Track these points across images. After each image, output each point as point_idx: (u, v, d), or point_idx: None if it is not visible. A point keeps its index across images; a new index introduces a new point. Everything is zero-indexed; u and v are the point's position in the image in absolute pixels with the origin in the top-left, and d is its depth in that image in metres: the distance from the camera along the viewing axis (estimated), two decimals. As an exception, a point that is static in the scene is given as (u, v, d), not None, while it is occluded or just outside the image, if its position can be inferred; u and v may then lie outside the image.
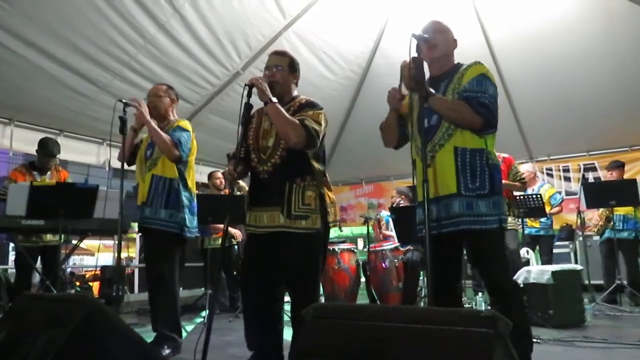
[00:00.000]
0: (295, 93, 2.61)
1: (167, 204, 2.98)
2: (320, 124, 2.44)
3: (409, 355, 1.02)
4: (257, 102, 2.43)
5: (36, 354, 1.38)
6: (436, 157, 2.18)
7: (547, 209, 5.44)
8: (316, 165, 2.49)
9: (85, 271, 9.81)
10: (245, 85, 2.42)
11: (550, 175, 7.31)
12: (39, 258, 4.14)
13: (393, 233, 5.13)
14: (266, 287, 2.51)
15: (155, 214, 2.99)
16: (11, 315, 1.82)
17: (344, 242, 5.49)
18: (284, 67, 2.56)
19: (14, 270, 6.15)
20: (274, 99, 2.42)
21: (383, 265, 4.95)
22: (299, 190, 2.41)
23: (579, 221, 5.53)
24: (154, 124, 2.98)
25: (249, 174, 2.61)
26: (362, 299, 5.26)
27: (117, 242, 3.16)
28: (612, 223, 5.28)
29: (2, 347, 1.53)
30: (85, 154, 5.64)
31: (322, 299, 5.07)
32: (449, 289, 2.23)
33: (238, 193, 4.88)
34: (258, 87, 2.40)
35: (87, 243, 4.68)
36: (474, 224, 2.11)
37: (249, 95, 2.43)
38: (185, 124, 3.13)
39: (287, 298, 2.79)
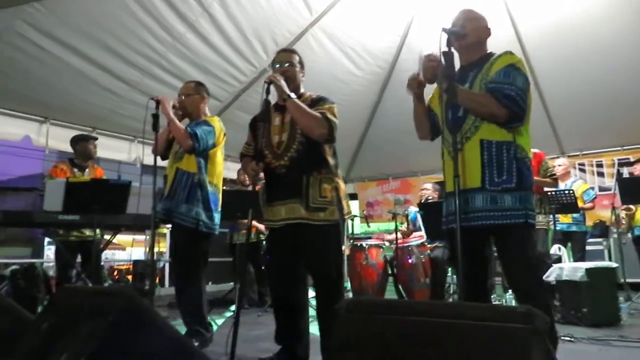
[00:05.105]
0: (302, 89, 2.63)
1: (188, 199, 3.02)
2: (336, 117, 2.49)
3: (445, 351, 1.01)
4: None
5: (78, 344, 1.43)
6: (463, 149, 2.14)
7: (580, 204, 5.31)
8: (330, 158, 2.52)
9: (118, 265, 10.07)
10: (265, 82, 2.47)
11: (583, 171, 7.11)
12: (79, 253, 4.26)
13: (421, 229, 5.10)
14: (290, 280, 2.55)
15: (176, 207, 3.03)
16: (53, 307, 1.89)
17: (370, 237, 5.48)
18: (294, 64, 2.60)
19: (50, 264, 6.36)
20: (293, 95, 2.45)
21: (409, 261, 4.93)
22: (316, 183, 2.45)
23: (613, 217, 5.37)
24: (172, 114, 3.03)
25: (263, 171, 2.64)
26: (390, 294, 5.24)
27: (148, 237, 3.24)
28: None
29: (46, 337, 1.59)
30: (116, 151, 5.77)
31: (350, 295, 5.08)
32: (477, 286, 2.17)
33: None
34: (277, 83, 2.44)
35: (118, 238, 4.82)
36: (497, 219, 2.06)
37: (268, 92, 2.47)
38: (212, 119, 3.18)
39: (312, 293, 2.81)
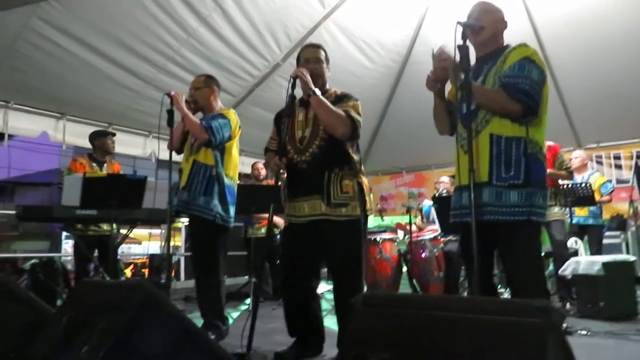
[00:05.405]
0: (327, 85, 2.63)
1: (205, 191, 3.02)
2: (360, 115, 2.48)
3: (460, 345, 1.02)
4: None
5: (97, 337, 1.46)
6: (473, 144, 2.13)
7: (597, 197, 5.23)
8: (353, 154, 2.52)
9: (134, 259, 10.20)
10: (290, 77, 2.46)
11: (600, 163, 7.00)
12: (97, 247, 4.31)
13: (435, 223, 5.08)
14: (306, 275, 2.56)
15: (193, 200, 3.03)
16: (72, 300, 1.93)
17: (384, 231, 5.47)
18: (322, 60, 2.59)
19: (68, 258, 6.46)
20: (317, 91, 2.44)
21: (422, 255, 4.92)
22: (337, 179, 2.45)
23: (631, 210, 5.29)
24: (186, 109, 3.03)
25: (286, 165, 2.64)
26: (404, 288, 5.24)
27: (164, 231, 3.27)
28: None
29: (66, 330, 1.63)
30: (132, 146, 5.83)
31: (364, 289, 5.08)
32: (484, 280, 2.12)
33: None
34: (302, 79, 2.43)
35: (134, 232, 4.89)
36: (501, 215, 2.02)
37: (293, 86, 2.46)
38: (227, 112, 3.16)
39: (327, 287, 2.83)
